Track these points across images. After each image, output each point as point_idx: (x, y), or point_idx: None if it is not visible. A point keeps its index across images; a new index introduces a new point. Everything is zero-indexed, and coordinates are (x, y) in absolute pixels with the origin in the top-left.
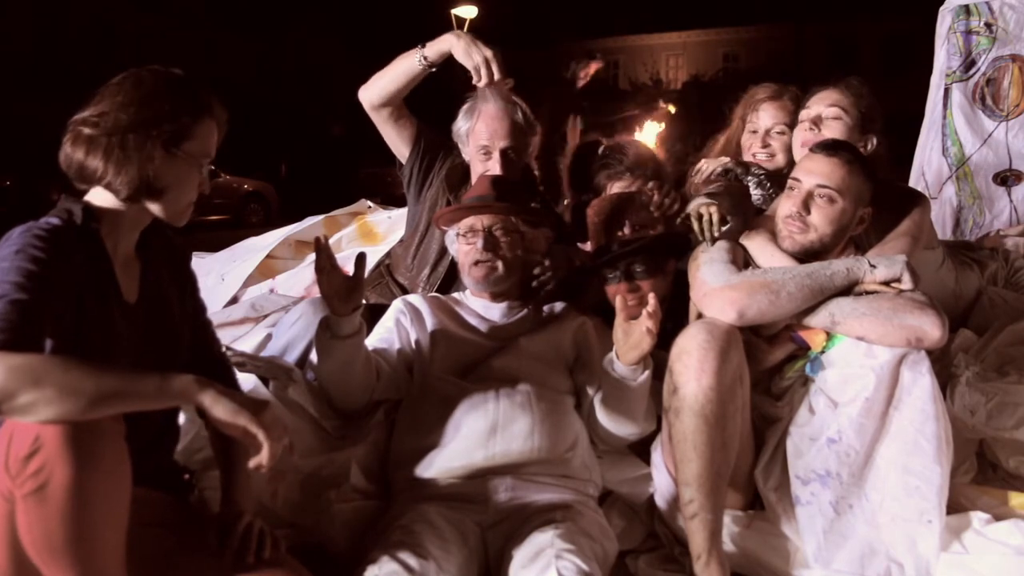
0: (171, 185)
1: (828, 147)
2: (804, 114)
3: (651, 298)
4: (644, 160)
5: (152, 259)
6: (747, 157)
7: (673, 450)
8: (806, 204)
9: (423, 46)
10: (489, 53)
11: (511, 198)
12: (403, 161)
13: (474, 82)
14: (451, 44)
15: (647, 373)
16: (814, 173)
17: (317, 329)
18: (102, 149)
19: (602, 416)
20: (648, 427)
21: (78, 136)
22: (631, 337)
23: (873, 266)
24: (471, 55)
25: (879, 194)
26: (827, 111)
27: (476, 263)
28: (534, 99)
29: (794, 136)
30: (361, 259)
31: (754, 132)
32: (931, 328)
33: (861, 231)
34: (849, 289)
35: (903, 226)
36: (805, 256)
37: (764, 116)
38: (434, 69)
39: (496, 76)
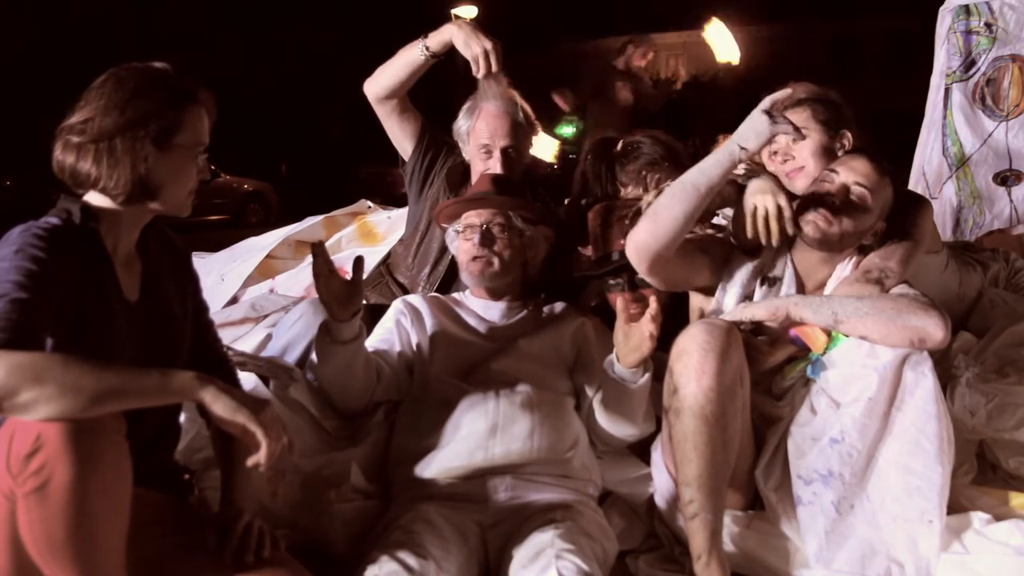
0: (167, 180)
1: (869, 152)
2: (772, 147)
3: (653, 301)
4: (675, 150)
5: (153, 258)
6: (763, 155)
7: (673, 450)
8: (841, 195)
9: (425, 36)
10: (489, 44)
11: (510, 195)
12: (406, 157)
13: (473, 72)
14: (452, 34)
15: (647, 376)
16: (855, 171)
17: (317, 333)
18: (91, 156)
19: (601, 417)
20: (647, 429)
21: (67, 144)
22: (631, 340)
23: (743, 147)
24: (471, 45)
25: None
26: (790, 136)
27: (473, 258)
28: (536, 99)
29: (775, 170)
30: (359, 263)
31: None
32: (934, 329)
33: (871, 242)
34: (731, 182)
35: (904, 227)
36: (819, 245)
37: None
38: (436, 59)
39: (494, 68)
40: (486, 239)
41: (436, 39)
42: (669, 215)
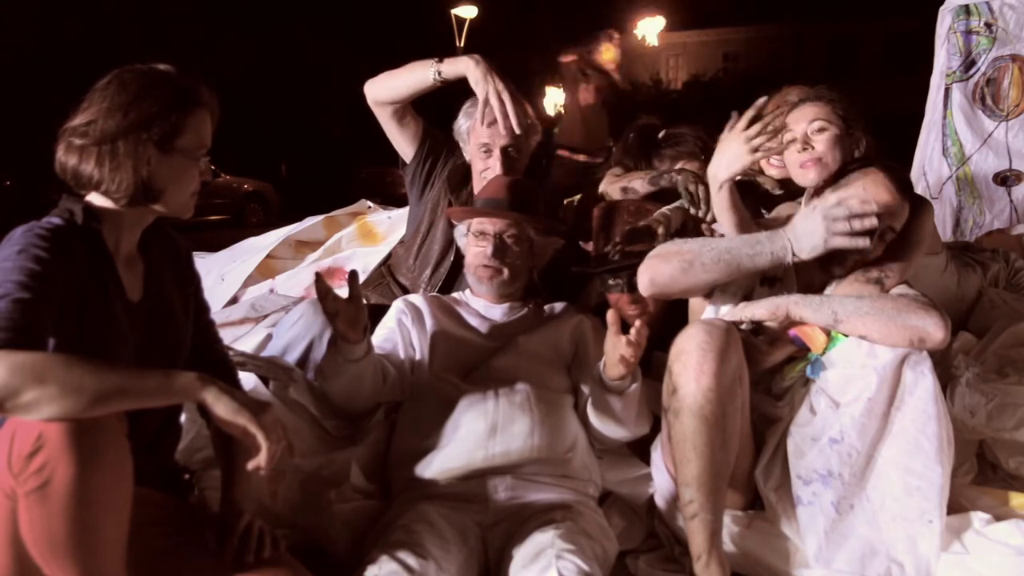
0: (170, 183)
1: (906, 183)
2: (788, 136)
3: (634, 330)
4: (712, 149)
5: (155, 258)
6: (763, 161)
7: (673, 450)
8: (880, 246)
9: (440, 61)
10: (501, 86)
11: (525, 204)
12: (407, 160)
13: (480, 119)
14: (467, 68)
15: (635, 385)
16: (895, 216)
17: (327, 353)
18: (94, 158)
19: (593, 418)
20: (640, 431)
21: (69, 146)
22: (617, 352)
23: (796, 256)
24: (482, 85)
25: None
26: (811, 127)
27: (483, 266)
28: (535, 99)
29: (787, 159)
30: (353, 278)
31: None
32: (934, 329)
33: None
34: (775, 270)
35: (905, 228)
36: (830, 268)
37: (798, 118)
38: (444, 84)
39: (509, 112)
40: (499, 250)
41: (451, 69)
42: (702, 276)
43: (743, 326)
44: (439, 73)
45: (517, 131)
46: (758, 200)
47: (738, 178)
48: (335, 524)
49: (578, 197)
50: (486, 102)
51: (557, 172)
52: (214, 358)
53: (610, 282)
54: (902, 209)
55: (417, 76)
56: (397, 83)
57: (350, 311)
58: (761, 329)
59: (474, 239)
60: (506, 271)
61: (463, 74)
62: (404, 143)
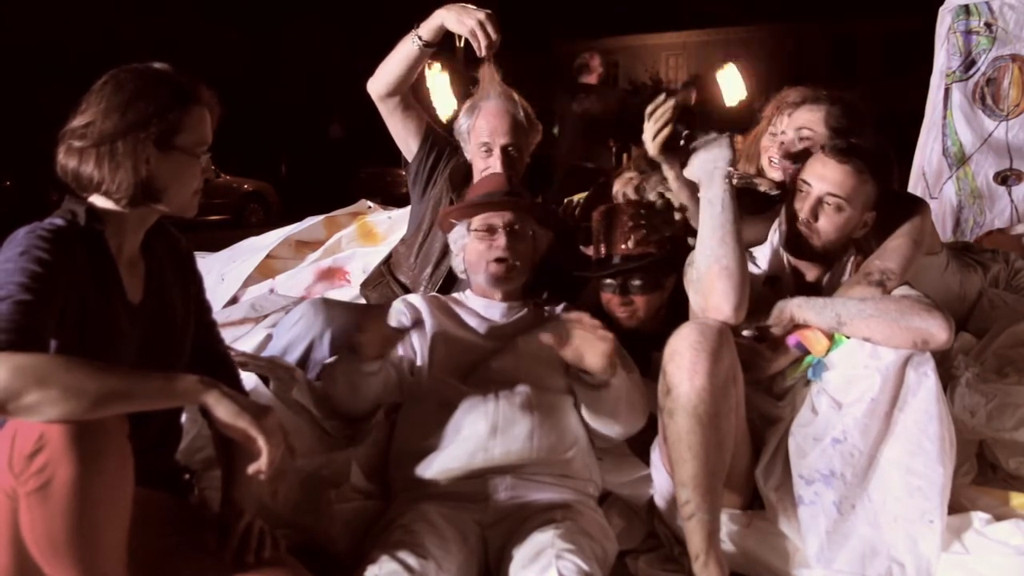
0: (171, 182)
1: (842, 152)
2: (780, 139)
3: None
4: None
5: (157, 259)
6: (763, 160)
7: (669, 451)
8: (815, 211)
9: (417, 26)
10: (482, 15)
11: (522, 195)
12: (409, 156)
13: (476, 52)
14: (442, 17)
15: (615, 380)
16: (826, 180)
17: (343, 360)
18: (94, 160)
19: (586, 416)
20: (635, 426)
21: (69, 148)
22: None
23: (730, 177)
24: (463, 21)
25: (880, 200)
26: (798, 134)
27: (497, 260)
28: (536, 99)
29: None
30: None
31: (772, 135)
32: (938, 330)
33: (864, 233)
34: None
35: (903, 229)
36: (810, 257)
37: (788, 124)
38: (431, 48)
39: (493, 36)
40: (511, 240)
41: (427, 26)
42: (723, 253)
43: (746, 332)
44: (419, 38)
45: (498, 37)
46: (755, 202)
47: (736, 182)
48: (335, 524)
49: (578, 196)
50: (473, 35)
51: (565, 180)
52: (216, 359)
53: (606, 282)
54: (863, 184)
55: (403, 51)
56: (389, 67)
57: (387, 336)
58: (764, 334)
59: (478, 236)
60: (519, 263)
61: (439, 24)
62: (408, 137)
